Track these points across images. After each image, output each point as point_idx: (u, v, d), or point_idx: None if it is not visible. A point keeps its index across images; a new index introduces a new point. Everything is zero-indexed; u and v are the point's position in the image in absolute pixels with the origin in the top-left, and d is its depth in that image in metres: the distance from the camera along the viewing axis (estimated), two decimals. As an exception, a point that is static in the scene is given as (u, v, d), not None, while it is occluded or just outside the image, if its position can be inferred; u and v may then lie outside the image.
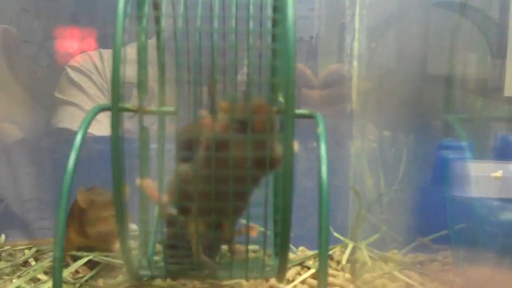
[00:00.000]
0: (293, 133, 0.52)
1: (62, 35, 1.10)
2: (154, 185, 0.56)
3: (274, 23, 0.60)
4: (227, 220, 0.56)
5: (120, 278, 0.72)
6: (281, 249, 0.56)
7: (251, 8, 0.55)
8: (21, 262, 0.79)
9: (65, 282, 0.71)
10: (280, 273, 0.59)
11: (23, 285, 0.71)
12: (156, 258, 0.67)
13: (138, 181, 0.57)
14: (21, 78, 1.09)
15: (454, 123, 0.81)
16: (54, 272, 0.54)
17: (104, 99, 1.08)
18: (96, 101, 1.08)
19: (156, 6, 0.63)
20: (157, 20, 0.63)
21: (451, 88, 0.93)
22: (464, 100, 0.93)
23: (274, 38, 0.61)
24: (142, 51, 0.58)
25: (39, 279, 0.73)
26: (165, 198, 0.56)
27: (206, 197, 0.53)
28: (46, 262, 0.78)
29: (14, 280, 0.72)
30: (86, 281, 0.72)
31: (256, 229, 0.59)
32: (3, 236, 0.89)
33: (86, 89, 1.10)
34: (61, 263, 0.54)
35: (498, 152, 0.80)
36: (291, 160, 0.51)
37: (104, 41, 1.12)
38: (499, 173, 0.71)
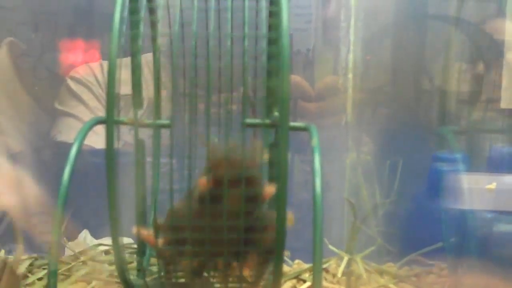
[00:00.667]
0: (288, 147, 0.52)
1: (60, 48, 1.11)
2: (150, 232, 0.56)
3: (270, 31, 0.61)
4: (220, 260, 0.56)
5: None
6: (276, 263, 0.56)
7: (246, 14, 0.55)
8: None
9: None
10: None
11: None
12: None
13: (134, 229, 0.57)
14: (24, 90, 1.09)
15: (448, 135, 0.81)
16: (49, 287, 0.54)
17: (103, 111, 1.08)
18: (95, 113, 1.08)
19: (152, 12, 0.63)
20: (153, 25, 0.63)
21: (445, 100, 0.94)
22: (459, 112, 0.94)
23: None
24: (136, 67, 0.59)
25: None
26: (160, 242, 0.56)
27: (199, 239, 0.53)
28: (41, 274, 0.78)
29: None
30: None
31: (250, 267, 0.58)
32: (2, 251, 0.89)
33: (86, 100, 1.10)
34: (56, 277, 0.54)
35: (493, 164, 0.80)
36: (285, 177, 0.52)
37: (103, 53, 1.12)
38: (493, 186, 0.71)
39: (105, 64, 1.11)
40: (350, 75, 0.90)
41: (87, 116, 1.07)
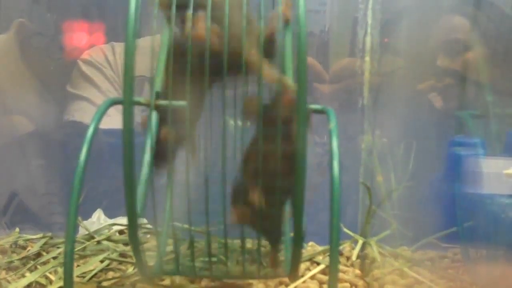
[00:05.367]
0: (306, 129, 0.52)
1: (73, 28, 1.11)
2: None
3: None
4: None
5: (130, 271, 0.72)
6: (294, 247, 0.55)
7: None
8: (32, 254, 0.80)
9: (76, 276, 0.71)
10: (293, 272, 0.59)
11: (38, 279, 0.71)
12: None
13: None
14: (34, 71, 1.09)
15: (466, 120, 0.80)
16: (65, 266, 0.54)
17: (115, 93, 1.08)
18: (107, 95, 1.08)
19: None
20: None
21: (463, 84, 0.93)
22: (477, 96, 0.92)
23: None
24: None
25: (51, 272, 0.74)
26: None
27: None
28: (56, 253, 0.78)
29: (27, 274, 0.73)
30: (96, 274, 0.72)
31: None
32: (17, 229, 0.89)
33: (97, 83, 1.10)
34: (72, 256, 0.54)
35: (510, 149, 0.79)
36: (304, 156, 0.51)
37: (115, 34, 1.12)
38: (511, 171, 0.70)
39: (117, 45, 1.11)
40: (367, 58, 0.89)
41: (99, 99, 1.07)
